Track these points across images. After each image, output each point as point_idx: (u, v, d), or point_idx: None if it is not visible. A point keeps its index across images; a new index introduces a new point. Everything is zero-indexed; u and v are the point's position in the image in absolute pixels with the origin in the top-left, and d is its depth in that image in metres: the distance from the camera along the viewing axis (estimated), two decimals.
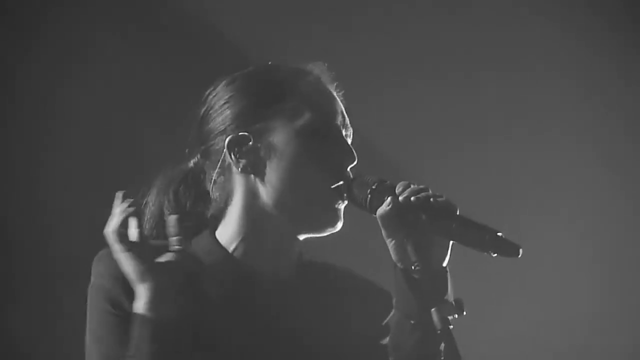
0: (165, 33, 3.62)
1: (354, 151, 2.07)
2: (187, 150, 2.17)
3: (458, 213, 1.94)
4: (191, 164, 2.16)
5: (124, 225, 1.89)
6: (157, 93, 3.54)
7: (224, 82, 2.13)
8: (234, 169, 2.07)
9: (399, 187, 1.97)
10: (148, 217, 2.14)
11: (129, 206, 1.90)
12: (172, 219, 1.94)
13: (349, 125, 2.11)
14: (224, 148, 2.06)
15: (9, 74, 3.39)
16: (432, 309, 1.88)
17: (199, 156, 2.14)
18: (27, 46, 3.41)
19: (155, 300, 1.88)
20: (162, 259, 1.90)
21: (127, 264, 1.89)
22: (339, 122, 2.08)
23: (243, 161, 2.06)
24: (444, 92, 3.80)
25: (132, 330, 1.90)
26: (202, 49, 3.66)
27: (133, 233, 1.90)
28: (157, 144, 3.39)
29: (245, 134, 2.06)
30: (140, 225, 1.91)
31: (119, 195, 1.92)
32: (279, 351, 2.01)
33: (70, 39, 3.46)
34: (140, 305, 1.89)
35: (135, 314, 1.89)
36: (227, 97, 2.10)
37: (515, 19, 3.82)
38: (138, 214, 1.91)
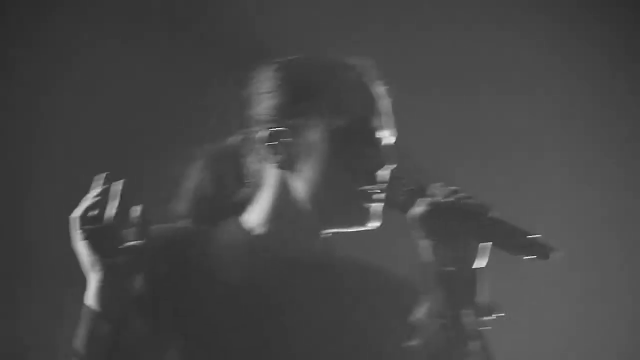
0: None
1: (389, 154, 2.08)
2: (227, 123, 2.20)
3: (490, 215, 1.95)
4: (231, 142, 2.19)
5: (90, 209, 1.90)
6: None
7: (269, 68, 2.14)
8: (269, 161, 2.10)
9: (432, 188, 1.98)
10: (187, 191, 2.17)
11: (100, 192, 1.91)
12: (137, 209, 1.93)
13: (389, 124, 2.11)
14: (261, 139, 2.09)
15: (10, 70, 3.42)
16: (463, 310, 1.89)
17: (239, 137, 2.17)
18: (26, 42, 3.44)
19: (95, 293, 1.90)
20: (118, 252, 1.90)
21: (81, 252, 1.91)
22: (375, 124, 2.09)
23: (278, 156, 2.08)
24: (477, 96, 3.80)
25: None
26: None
27: (94, 220, 1.90)
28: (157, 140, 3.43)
29: (283, 128, 2.08)
30: (102, 212, 1.90)
31: (98, 177, 1.94)
32: (301, 338, 2.02)
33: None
34: (89, 295, 1.92)
35: (84, 305, 1.92)
36: (269, 86, 2.12)
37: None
38: (105, 200, 1.90)
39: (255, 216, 2.11)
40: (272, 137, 2.08)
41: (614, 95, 3.87)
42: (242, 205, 2.13)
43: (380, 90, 2.13)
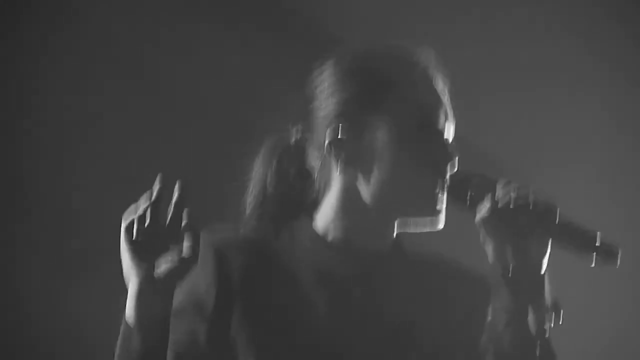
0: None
1: (455, 149, 2.05)
2: (292, 115, 2.17)
3: (558, 215, 1.92)
4: (294, 132, 2.16)
5: (140, 221, 1.86)
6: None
7: (333, 60, 2.11)
8: (334, 158, 2.07)
9: (499, 184, 1.95)
10: (252, 186, 2.15)
11: (155, 200, 1.86)
12: (185, 214, 1.88)
13: (452, 117, 2.09)
14: (325, 136, 2.07)
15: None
16: (529, 310, 1.87)
17: (302, 130, 2.14)
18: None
19: (132, 303, 1.87)
20: (163, 265, 1.86)
21: (123, 259, 1.88)
22: (442, 119, 2.06)
23: (342, 154, 2.05)
24: (543, 91, 3.77)
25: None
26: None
27: (142, 227, 1.86)
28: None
29: (347, 126, 2.05)
30: (154, 221, 1.86)
31: (158, 179, 1.88)
32: (377, 332, 2.01)
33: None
34: (127, 308, 1.88)
35: (124, 320, 1.89)
36: (333, 79, 2.09)
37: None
38: (157, 204, 1.86)
39: (325, 218, 2.08)
40: (337, 134, 2.06)
41: None
42: (312, 206, 2.11)
43: (444, 82, 2.11)
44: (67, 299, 3.38)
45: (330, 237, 2.07)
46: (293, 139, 2.16)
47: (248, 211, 2.14)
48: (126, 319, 1.88)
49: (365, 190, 2.04)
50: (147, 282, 1.85)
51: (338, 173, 2.07)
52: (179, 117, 3.52)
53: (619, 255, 1.86)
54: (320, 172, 2.10)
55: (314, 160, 2.11)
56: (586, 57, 3.78)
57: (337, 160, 2.06)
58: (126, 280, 1.88)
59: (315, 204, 2.11)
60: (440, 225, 2.04)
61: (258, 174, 2.15)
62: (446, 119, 2.07)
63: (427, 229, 2.05)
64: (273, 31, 3.59)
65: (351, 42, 2.18)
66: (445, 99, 2.09)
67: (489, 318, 1.99)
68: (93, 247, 3.36)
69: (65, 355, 3.39)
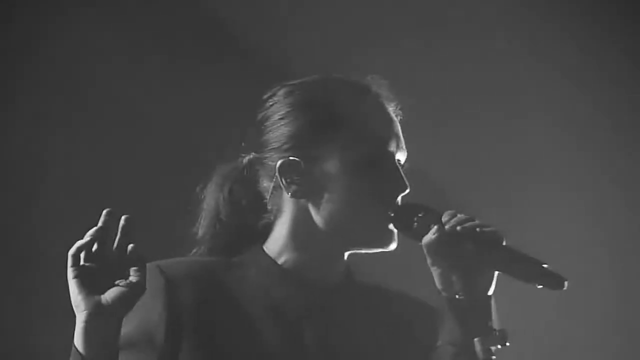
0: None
1: (406, 180, 2.06)
2: (242, 147, 2.18)
3: (504, 244, 1.94)
4: (245, 161, 2.16)
5: (85, 247, 1.86)
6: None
7: (282, 92, 2.12)
8: (285, 190, 2.07)
9: (445, 216, 1.97)
10: (204, 214, 2.15)
11: (99, 229, 1.87)
12: (130, 246, 1.89)
13: (404, 147, 2.10)
14: (275, 170, 2.07)
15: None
16: (475, 339, 1.89)
17: (253, 158, 2.14)
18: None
19: (80, 333, 1.86)
20: (109, 292, 1.85)
21: (71, 290, 1.86)
22: (393, 148, 2.07)
23: (293, 187, 2.06)
24: (494, 121, 3.79)
25: None
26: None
27: (89, 258, 1.86)
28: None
29: (297, 159, 2.06)
30: (100, 251, 1.86)
31: (105, 213, 1.89)
32: (325, 359, 2.01)
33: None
34: (75, 335, 1.87)
35: (73, 346, 1.88)
36: (283, 112, 2.09)
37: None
38: (103, 237, 1.87)
39: (278, 243, 2.08)
40: (287, 167, 2.06)
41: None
42: (264, 233, 2.11)
43: (395, 112, 2.12)
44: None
45: (282, 261, 2.07)
46: (243, 167, 2.16)
47: (200, 241, 2.14)
48: (75, 347, 1.86)
49: (317, 220, 2.05)
50: (95, 310, 1.84)
51: (290, 203, 2.07)
52: (127, 148, 3.50)
53: (565, 283, 1.88)
54: (272, 199, 2.10)
55: (265, 189, 2.12)
56: (536, 77, 3.82)
57: (288, 192, 2.07)
58: (75, 309, 1.87)
59: (267, 230, 2.11)
60: (392, 247, 2.05)
61: (210, 203, 2.16)
62: (398, 148, 2.09)
63: (379, 249, 2.06)
64: (222, 61, 3.60)
65: (302, 72, 2.19)
66: (397, 128, 2.10)
67: (437, 350, 2.00)
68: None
69: None
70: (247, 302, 2.03)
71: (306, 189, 2.05)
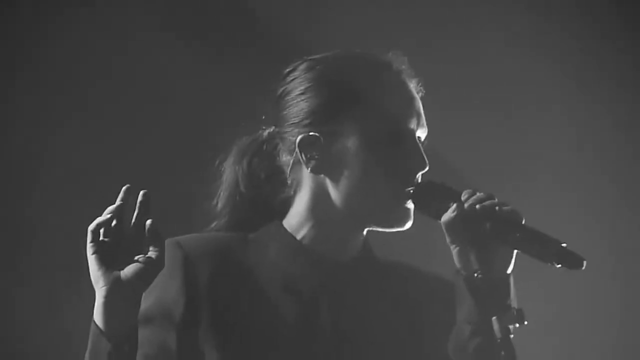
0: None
1: (426, 157, 2.06)
2: (263, 119, 2.18)
3: (523, 223, 1.93)
4: (265, 135, 2.16)
5: (104, 223, 1.87)
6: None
7: (303, 66, 2.11)
8: (304, 165, 2.08)
9: (464, 195, 1.97)
10: (223, 187, 2.15)
11: (118, 205, 1.88)
12: (149, 222, 1.90)
13: (425, 124, 2.09)
14: (295, 145, 2.07)
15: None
16: (493, 317, 1.88)
17: (273, 132, 2.14)
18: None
19: (99, 309, 1.87)
20: (128, 268, 1.86)
21: (90, 266, 1.87)
22: (414, 126, 2.06)
23: (313, 162, 2.06)
24: (512, 99, 3.78)
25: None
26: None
27: (107, 233, 1.87)
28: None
29: (317, 135, 2.06)
30: (119, 227, 1.87)
31: (123, 189, 1.91)
32: (341, 335, 2.02)
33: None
34: (94, 311, 1.88)
35: (92, 320, 1.89)
36: (304, 87, 2.09)
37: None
38: (120, 214, 1.88)
39: (297, 218, 2.09)
40: (307, 142, 2.06)
41: None
42: (283, 206, 2.11)
43: (416, 89, 2.12)
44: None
45: (300, 237, 2.08)
46: (263, 142, 2.16)
47: (219, 214, 2.15)
48: (95, 324, 1.87)
49: (335, 196, 2.06)
50: (115, 286, 1.85)
51: (309, 178, 2.08)
52: (146, 124, 3.50)
53: (584, 262, 1.88)
54: (292, 174, 2.10)
55: (284, 163, 2.12)
56: (554, 69, 3.80)
57: (308, 167, 2.07)
58: (94, 284, 1.88)
59: (286, 204, 2.11)
60: (408, 225, 2.06)
61: (229, 176, 2.16)
62: (418, 126, 2.08)
63: (395, 228, 2.07)
64: (243, 35, 3.59)
65: (322, 48, 2.19)
66: (418, 105, 2.09)
67: (454, 328, 2.00)
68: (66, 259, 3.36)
69: None
70: (265, 277, 2.04)
71: (325, 164, 2.05)
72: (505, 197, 1.97)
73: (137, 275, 1.86)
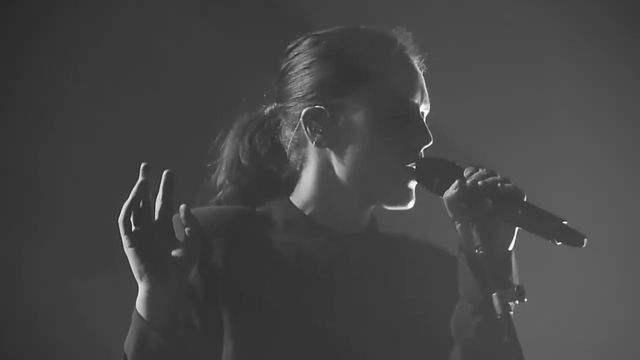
0: None
1: (430, 133, 2.06)
2: (264, 97, 2.18)
3: (525, 199, 1.93)
4: (267, 112, 2.16)
5: (133, 207, 1.86)
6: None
7: (307, 42, 2.11)
8: (308, 139, 2.08)
9: (466, 171, 1.97)
10: (224, 161, 2.15)
11: (141, 184, 1.87)
12: (182, 207, 1.90)
13: (428, 100, 2.10)
14: (300, 118, 2.07)
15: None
16: (494, 294, 1.89)
17: (275, 108, 2.14)
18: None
19: (147, 303, 1.89)
20: (169, 259, 1.88)
21: (130, 259, 1.88)
22: (418, 100, 2.07)
23: (318, 135, 2.06)
24: (513, 76, 3.78)
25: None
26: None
27: (138, 221, 1.86)
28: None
29: (322, 108, 2.06)
30: (147, 213, 1.87)
31: (143, 167, 1.90)
32: (349, 311, 2.03)
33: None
34: (137, 302, 1.90)
35: (134, 309, 1.90)
36: (308, 61, 2.09)
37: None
38: (147, 193, 1.87)
39: (303, 195, 2.09)
40: (312, 115, 2.06)
41: None
42: (290, 184, 2.11)
43: (419, 64, 2.12)
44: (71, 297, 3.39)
45: (308, 212, 2.08)
46: (265, 119, 2.16)
47: (220, 188, 2.15)
48: (137, 312, 1.89)
49: (340, 170, 2.06)
50: (158, 281, 1.87)
51: (314, 153, 2.08)
52: (152, 102, 3.51)
53: (585, 240, 1.88)
54: (296, 150, 2.10)
55: (286, 139, 2.12)
56: (569, 53, 3.80)
57: (312, 141, 2.07)
58: (137, 277, 1.89)
59: (293, 180, 2.11)
60: (411, 204, 2.06)
61: (230, 150, 2.16)
62: (422, 101, 2.08)
63: (398, 207, 2.07)
64: (245, 12, 3.58)
65: (324, 25, 2.18)
66: (422, 81, 2.10)
67: (456, 305, 2.01)
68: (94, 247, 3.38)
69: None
70: (277, 252, 2.04)
71: (330, 138, 2.05)
72: (507, 174, 1.97)
73: (179, 265, 1.89)
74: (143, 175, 1.88)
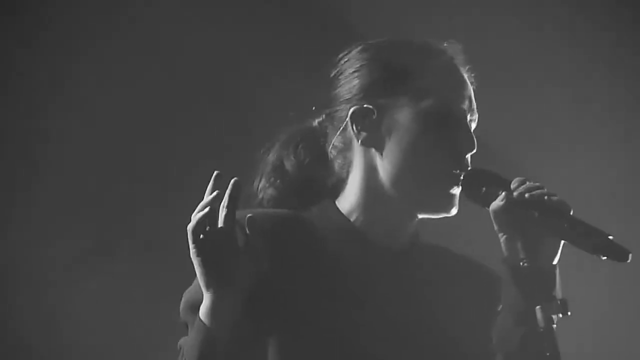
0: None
1: (475, 139, 2.07)
2: (313, 109, 2.19)
3: (571, 213, 1.94)
4: (315, 123, 2.18)
5: (206, 221, 1.86)
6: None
7: (357, 49, 2.13)
8: (355, 140, 2.08)
9: (514, 183, 1.97)
10: (267, 166, 2.16)
11: (215, 198, 1.87)
12: (246, 214, 1.89)
13: (475, 110, 2.10)
14: (347, 117, 2.08)
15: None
16: (537, 307, 1.89)
17: (323, 117, 2.16)
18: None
19: (212, 312, 1.89)
20: (236, 270, 1.88)
21: (197, 268, 1.89)
22: (465, 107, 2.07)
23: (364, 134, 2.07)
24: (567, 91, 3.78)
25: (190, 331, 1.93)
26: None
27: (207, 232, 1.86)
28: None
29: (370, 107, 2.07)
30: (214, 222, 1.86)
31: (215, 176, 1.91)
32: (388, 324, 2.02)
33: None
34: (201, 310, 1.91)
35: (198, 317, 1.91)
36: (357, 65, 2.10)
37: None
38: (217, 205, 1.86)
39: (349, 200, 2.09)
40: (359, 114, 2.07)
41: None
42: (335, 189, 2.12)
43: (468, 75, 2.12)
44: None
45: (353, 219, 2.08)
46: (312, 130, 2.17)
47: (261, 191, 2.15)
48: (201, 319, 1.90)
49: (384, 172, 2.06)
50: (224, 292, 1.88)
51: (360, 156, 2.08)
52: (199, 110, 3.53)
53: (630, 255, 1.89)
54: (341, 154, 2.11)
55: (333, 147, 2.12)
56: (601, 60, 3.80)
57: (358, 141, 2.07)
58: (202, 286, 1.89)
59: (338, 186, 2.12)
60: (454, 211, 2.06)
61: (273, 156, 2.17)
62: (469, 110, 2.09)
63: (441, 214, 2.07)
64: (295, 23, 3.60)
65: (374, 36, 2.20)
66: (470, 91, 2.10)
67: (498, 320, 2.02)
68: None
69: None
70: (321, 258, 2.04)
71: (377, 137, 2.06)
72: (553, 188, 1.98)
73: (245, 274, 1.89)
74: (216, 185, 1.89)
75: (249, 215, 1.92)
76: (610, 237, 1.90)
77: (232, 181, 1.88)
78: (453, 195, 2.04)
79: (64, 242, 3.36)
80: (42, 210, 3.40)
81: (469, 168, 2.05)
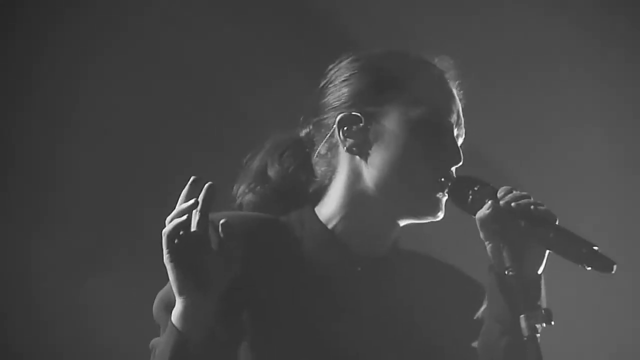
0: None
1: (461, 153, 2.07)
2: (301, 119, 2.19)
3: (557, 223, 1.95)
4: (302, 133, 2.18)
5: (182, 227, 1.85)
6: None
7: (348, 59, 2.14)
8: (341, 147, 2.09)
9: (500, 192, 1.98)
10: (250, 173, 2.16)
11: (192, 205, 1.86)
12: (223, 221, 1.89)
13: (463, 125, 2.11)
14: (334, 124, 2.09)
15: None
16: (521, 316, 1.90)
17: (310, 127, 2.16)
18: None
19: (185, 316, 1.89)
20: (208, 275, 1.88)
21: (170, 273, 1.88)
22: (452, 120, 2.08)
23: (350, 140, 2.07)
24: (552, 100, 3.79)
25: (163, 335, 1.93)
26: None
27: (181, 237, 1.85)
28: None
29: (358, 114, 2.07)
30: (187, 226, 1.85)
31: (191, 181, 1.90)
32: (366, 332, 2.03)
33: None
34: (174, 314, 1.90)
35: (170, 321, 1.91)
36: (347, 74, 2.11)
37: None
38: (196, 210, 1.85)
39: (329, 207, 2.09)
40: (347, 120, 2.08)
41: None
42: (317, 195, 2.12)
43: (458, 89, 2.14)
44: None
45: (332, 226, 2.08)
46: (299, 135, 2.18)
47: (242, 194, 2.15)
48: (173, 324, 1.89)
49: (369, 177, 2.06)
50: (197, 298, 1.88)
51: (345, 163, 2.08)
52: (200, 112, 3.53)
53: (614, 267, 1.89)
54: (327, 160, 2.11)
55: (321, 154, 2.12)
56: (593, 61, 3.80)
57: (344, 148, 2.08)
58: (175, 291, 1.89)
59: (319, 193, 2.12)
60: (440, 216, 2.06)
61: (256, 163, 2.17)
62: (457, 124, 2.10)
63: (427, 219, 2.07)
64: (284, 30, 3.60)
65: (368, 46, 2.21)
66: (458, 105, 2.11)
67: (482, 329, 2.02)
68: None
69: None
70: (297, 264, 2.05)
71: (363, 144, 2.07)
72: (539, 197, 1.99)
73: (218, 278, 1.89)
74: (192, 189, 1.88)
75: (223, 218, 1.91)
76: (596, 248, 1.90)
77: (206, 185, 1.88)
78: (439, 199, 2.05)
79: (63, 242, 3.35)
80: (42, 210, 3.40)
81: (455, 176, 2.06)
